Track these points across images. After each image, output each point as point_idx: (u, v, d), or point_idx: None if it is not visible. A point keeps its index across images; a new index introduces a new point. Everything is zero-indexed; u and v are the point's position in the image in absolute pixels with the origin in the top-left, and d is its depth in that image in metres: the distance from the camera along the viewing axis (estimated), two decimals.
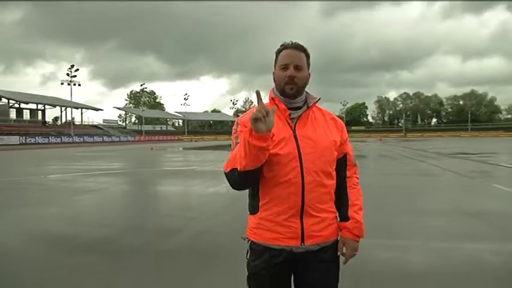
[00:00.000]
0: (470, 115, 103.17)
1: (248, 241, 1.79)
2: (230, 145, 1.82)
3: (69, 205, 7.62)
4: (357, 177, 1.90)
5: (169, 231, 5.30)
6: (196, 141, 79.10)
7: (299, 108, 1.77)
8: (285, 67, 1.72)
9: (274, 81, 1.78)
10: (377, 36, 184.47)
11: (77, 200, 8.13)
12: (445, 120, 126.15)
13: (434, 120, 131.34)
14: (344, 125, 1.88)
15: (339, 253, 1.80)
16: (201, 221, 5.98)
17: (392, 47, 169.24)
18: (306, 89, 1.81)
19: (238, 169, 1.59)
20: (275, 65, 1.78)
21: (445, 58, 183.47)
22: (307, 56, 1.78)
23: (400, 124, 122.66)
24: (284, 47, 1.75)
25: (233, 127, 1.79)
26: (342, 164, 1.83)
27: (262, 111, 1.44)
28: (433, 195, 8.85)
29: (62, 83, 69.59)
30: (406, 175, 12.50)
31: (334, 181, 1.79)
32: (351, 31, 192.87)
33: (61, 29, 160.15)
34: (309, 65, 1.79)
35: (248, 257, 1.78)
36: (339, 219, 1.82)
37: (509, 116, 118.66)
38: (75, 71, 68.62)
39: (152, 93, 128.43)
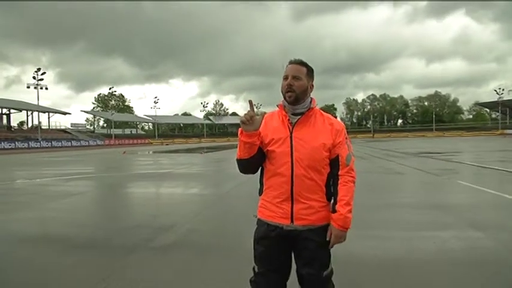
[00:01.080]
0: (434, 116, 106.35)
1: (257, 217, 2.26)
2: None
3: (54, 208, 7.64)
4: (350, 176, 2.13)
5: (160, 229, 5.53)
6: (167, 144, 78.45)
7: (302, 114, 2.15)
8: (285, 78, 2.14)
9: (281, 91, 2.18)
10: (345, 40, 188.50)
11: (62, 203, 8.18)
12: (410, 121, 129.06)
13: (400, 121, 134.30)
14: (341, 130, 2.16)
15: (327, 238, 2.14)
16: (189, 220, 6.24)
17: (360, 50, 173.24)
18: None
19: (237, 158, 2.14)
20: None
21: (410, 61, 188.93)
22: (309, 69, 2.18)
23: (368, 125, 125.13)
24: (288, 62, 2.18)
25: None
26: (334, 163, 2.14)
27: (247, 116, 1.96)
28: (403, 191, 9.51)
29: (28, 87, 66.12)
30: (377, 173, 13.08)
31: (324, 176, 2.14)
32: (320, 35, 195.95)
33: (25, 30, 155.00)
34: (311, 77, 2.20)
35: (256, 228, 2.25)
36: (331, 210, 2.16)
37: (470, 117, 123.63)
38: (42, 74, 65.98)
39: (121, 96, 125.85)
